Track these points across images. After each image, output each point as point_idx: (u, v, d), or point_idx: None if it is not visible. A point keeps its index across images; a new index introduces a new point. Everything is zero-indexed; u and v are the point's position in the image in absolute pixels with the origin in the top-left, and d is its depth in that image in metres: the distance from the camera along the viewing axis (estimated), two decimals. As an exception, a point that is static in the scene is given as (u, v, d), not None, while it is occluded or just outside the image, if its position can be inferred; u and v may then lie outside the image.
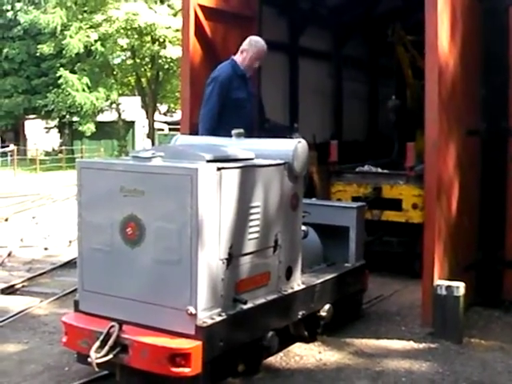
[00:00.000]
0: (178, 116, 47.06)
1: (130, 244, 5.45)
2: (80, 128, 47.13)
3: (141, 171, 5.47)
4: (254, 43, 7.75)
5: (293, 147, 6.23)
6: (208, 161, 5.46)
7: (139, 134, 54.76)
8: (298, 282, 6.48)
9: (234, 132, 6.69)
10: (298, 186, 6.34)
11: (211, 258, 5.32)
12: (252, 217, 5.74)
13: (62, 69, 43.89)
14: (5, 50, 47.91)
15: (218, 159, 5.57)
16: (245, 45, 7.75)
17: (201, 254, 5.19)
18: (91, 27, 41.26)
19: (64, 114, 47.03)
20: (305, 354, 6.70)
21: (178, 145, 6.83)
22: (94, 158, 28.98)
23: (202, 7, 9.62)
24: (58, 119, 49.63)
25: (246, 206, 5.68)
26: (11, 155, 40.27)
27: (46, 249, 12.71)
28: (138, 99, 49.77)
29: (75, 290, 6.83)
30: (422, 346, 7.03)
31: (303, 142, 6.43)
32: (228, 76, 7.61)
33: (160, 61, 42.58)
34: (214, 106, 7.58)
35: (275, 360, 6.48)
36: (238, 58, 7.75)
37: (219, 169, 5.36)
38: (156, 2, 41.43)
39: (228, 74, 7.62)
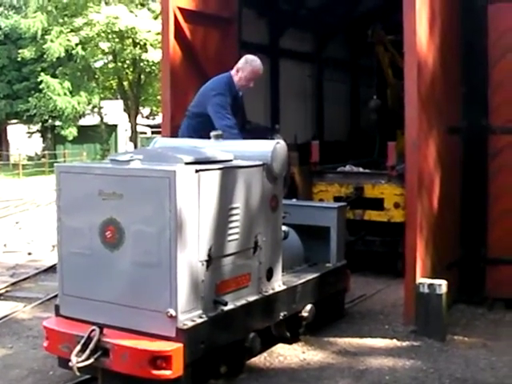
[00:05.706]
0: (160, 119, 46.80)
1: (110, 247, 5.44)
2: (62, 132, 46.99)
3: (119, 174, 5.46)
4: (249, 62, 7.48)
5: (271, 148, 6.23)
6: (186, 163, 5.45)
7: (122, 137, 54.61)
8: (278, 283, 6.48)
9: (212, 134, 6.66)
10: (277, 186, 6.34)
11: (191, 259, 5.31)
12: (231, 218, 5.74)
13: (43, 74, 43.71)
14: (-15, 56, 47.66)
15: (197, 161, 5.56)
16: (240, 63, 7.49)
17: (180, 256, 5.19)
18: (72, 31, 41.01)
19: (46, 118, 46.79)
20: (288, 354, 6.70)
21: (156, 147, 6.81)
22: (74, 162, 28.86)
23: (182, 10, 9.59)
24: (40, 124, 49.36)
25: (225, 208, 5.67)
26: (-7, 161, 40.09)
27: (29, 254, 12.67)
28: (120, 103, 49.49)
29: (58, 295, 6.84)
30: (405, 344, 7.04)
31: (282, 143, 6.43)
32: (226, 94, 7.36)
33: (141, 64, 42.34)
34: (232, 121, 7.26)
35: (259, 360, 6.48)
36: (234, 75, 7.50)
37: (197, 171, 5.36)
38: (137, 6, 41.27)
39: (225, 92, 7.37)
